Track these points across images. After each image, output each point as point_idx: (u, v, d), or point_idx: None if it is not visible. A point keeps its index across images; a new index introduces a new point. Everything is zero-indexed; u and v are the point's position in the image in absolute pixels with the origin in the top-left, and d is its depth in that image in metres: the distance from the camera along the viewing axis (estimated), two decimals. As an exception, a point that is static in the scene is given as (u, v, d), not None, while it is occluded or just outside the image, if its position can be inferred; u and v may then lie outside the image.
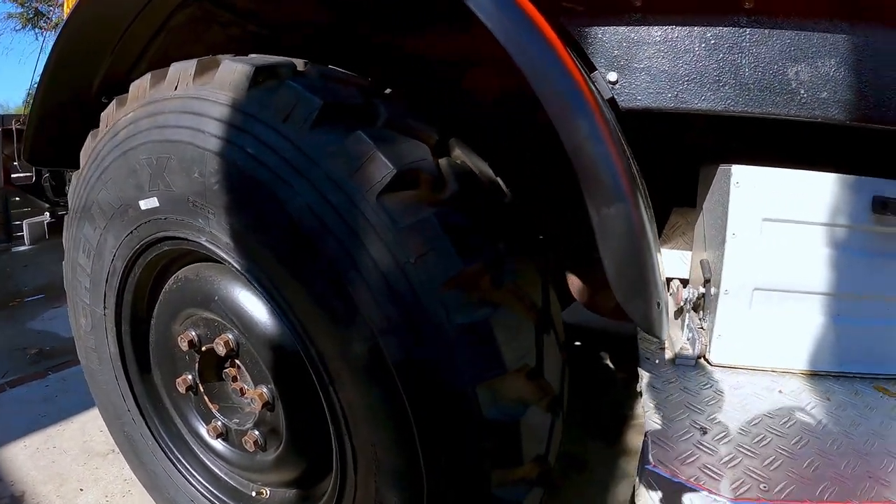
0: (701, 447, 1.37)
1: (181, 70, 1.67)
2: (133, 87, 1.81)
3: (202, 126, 1.57)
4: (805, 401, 1.57)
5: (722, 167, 1.69)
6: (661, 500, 1.27)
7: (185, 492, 2.23)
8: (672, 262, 2.04)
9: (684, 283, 1.91)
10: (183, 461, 2.24)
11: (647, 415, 1.46)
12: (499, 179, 1.69)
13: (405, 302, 1.39)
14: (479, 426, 1.44)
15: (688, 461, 1.31)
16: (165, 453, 2.25)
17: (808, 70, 1.55)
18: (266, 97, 1.51)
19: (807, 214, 1.63)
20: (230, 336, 1.84)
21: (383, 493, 1.61)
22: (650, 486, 1.28)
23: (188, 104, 1.61)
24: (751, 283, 1.65)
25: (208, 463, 2.23)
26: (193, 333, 1.93)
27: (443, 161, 1.53)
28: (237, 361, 1.89)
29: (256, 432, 1.92)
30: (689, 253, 2.06)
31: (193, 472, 2.23)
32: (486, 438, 1.46)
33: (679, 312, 1.91)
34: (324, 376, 1.57)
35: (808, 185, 1.62)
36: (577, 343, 4.30)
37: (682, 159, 2.06)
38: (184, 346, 1.94)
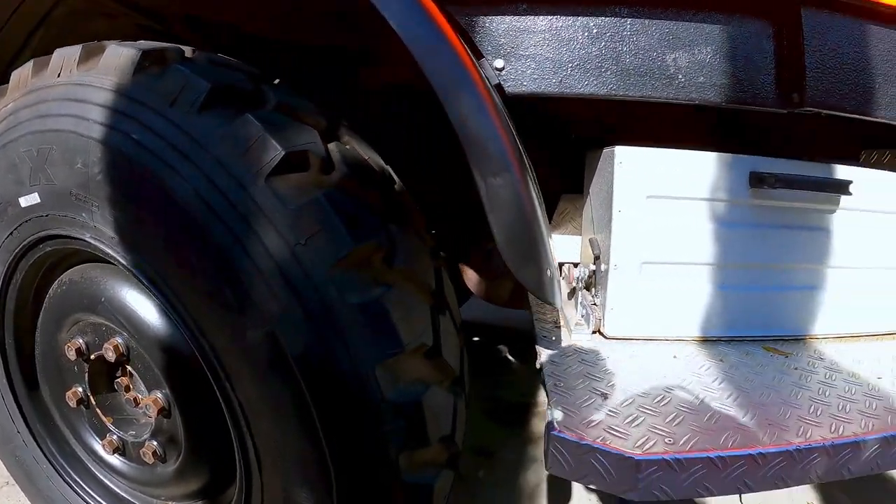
0: (603, 411, 1.34)
1: (65, 56, 1.56)
2: (14, 76, 1.68)
3: (86, 113, 1.45)
4: (699, 363, 1.57)
5: (606, 150, 1.69)
6: (570, 464, 1.23)
7: (86, 515, 2.04)
8: (562, 247, 2.03)
9: (575, 265, 1.90)
10: (80, 482, 2.05)
11: (548, 386, 1.42)
12: (388, 168, 1.64)
13: (297, 285, 1.32)
14: (382, 409, 1.38)
15: (592, 424, 1.28)
16: (61, 476, 2.06)
17: (685, 56, 1.58)
18: (152, 82, 1.42)
19: (689, 191, 1.65)
20: (119, 340, 1.70)
21: (291, 491, 1.52)
22: (558, 452, 1.24)
23: (71, 91, 1.49)
24: (638, 258, 1.65)
25: (107, 482, 2.04)
26: (81, 341, 1.78)
27: (332, 146, 1.47)
28: (129, 368, 1.75)
29: (154, 443, 1.77)
30: (579, 237, 2.06)
31: (92, 493, 2.04)
32: (390, 421, 1.39)
33: (572, 293, 1.89)
34: (219, 373, 1.47)
35: (688, 163, 1.64)
36: (476, 338, 4.28)
37: (567, 147, 2.07)
38: (71, 355, 1.78)
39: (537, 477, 2.77)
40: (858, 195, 1.73)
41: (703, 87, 1.59)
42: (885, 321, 1.92)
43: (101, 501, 2.03)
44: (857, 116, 1.60)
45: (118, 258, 1.52)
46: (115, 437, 1.88)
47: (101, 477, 2.04)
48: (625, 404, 1.38)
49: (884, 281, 1.88)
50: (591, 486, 1.24)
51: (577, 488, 2.76)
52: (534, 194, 1.29)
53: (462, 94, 1.30)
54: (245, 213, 1.33)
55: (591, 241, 1.74)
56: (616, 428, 1.28)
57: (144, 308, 1.64)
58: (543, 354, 1.60)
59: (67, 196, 1.51)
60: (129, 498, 2.03)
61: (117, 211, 1.45)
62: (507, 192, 1.24)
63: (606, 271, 1.67)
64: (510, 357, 4.10)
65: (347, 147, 1.52)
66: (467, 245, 2.58)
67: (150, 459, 1.78)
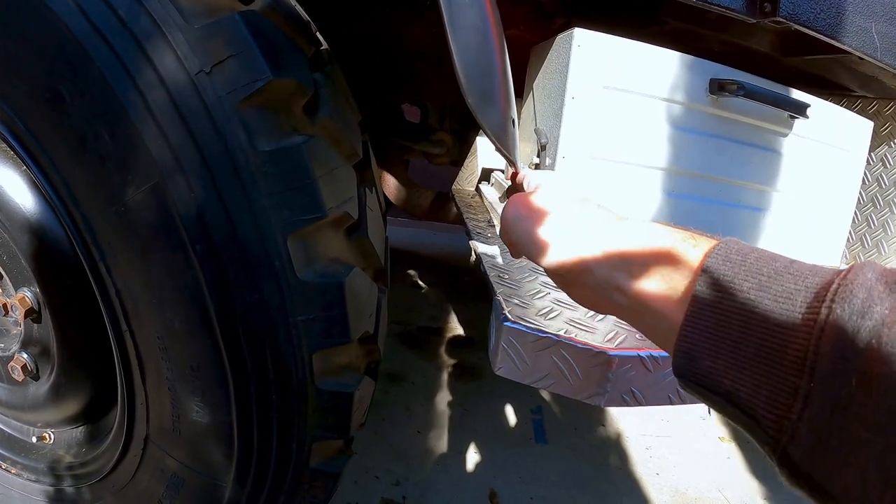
0: (560, 304, 0.99)
1: None
2: None
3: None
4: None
5: (562, 35, 1.35)
6: (525, 362, 0.88)
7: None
8: (494, 154, 1.68)
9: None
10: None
11: (491, 277, 1.06)
12: (319, 35, 1.23)
13: (194, 124, 0.90)
14: (294, 293, 0.98)
15: (550, 316, 0.93)
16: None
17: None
18: None
19: (647, 87, 1.32)
20: (-18, 228, 1.23)
21: (181, 402, 1.10)
22: (511, 347, 0.88)
23: None
24: (588, 151, 1.31)
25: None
26: (-63, 236, 1.30)
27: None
28: (-6, 264, 1.28)
29: (24, 355, 1.32)
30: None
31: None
32: (303, 309, 0.99)
33: (506, 195, 1.55)
34: (93, 253, 1.03)
35: (649, 57, 1.32)
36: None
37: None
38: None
39: (449, 400, 2.47)
40: (813, 124, 1.46)
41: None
42: (824, 254, 1.67)
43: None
44: (825, 38, 1.31)
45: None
46: (-21, 352, 1.40)
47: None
48: (584, 299, 1.04)
49: (825, 215, 1.62)
50: (550, 391, 0.89)
51: (489, 411, 2.43)
52: (501, 30, 0.93)
53: None
54: (137, 33, 0.90)
55: (536, 130, 1.38)
56: (579, 321, 0.94)
57: (10, 180, 1.18)
58: (480, 247, 1.24)
59: None
60: (2, 427, 1.55)
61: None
62: (473, 12, 0.87)
63: (552, 165, 1.32)
64: (420, 282, 3.74)
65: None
66: (389, 154, 2.22)
67: (19, 376, 1.32)
